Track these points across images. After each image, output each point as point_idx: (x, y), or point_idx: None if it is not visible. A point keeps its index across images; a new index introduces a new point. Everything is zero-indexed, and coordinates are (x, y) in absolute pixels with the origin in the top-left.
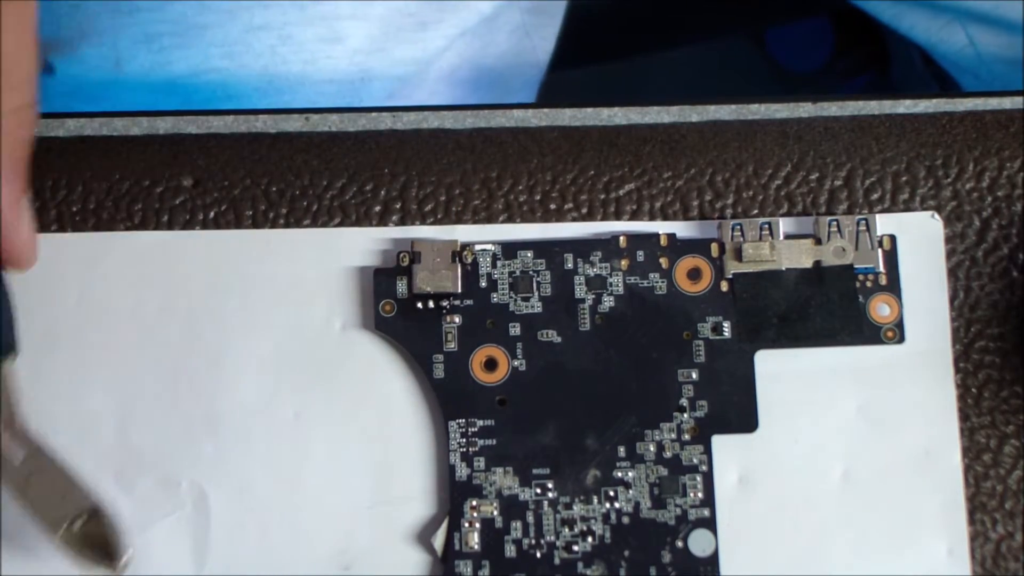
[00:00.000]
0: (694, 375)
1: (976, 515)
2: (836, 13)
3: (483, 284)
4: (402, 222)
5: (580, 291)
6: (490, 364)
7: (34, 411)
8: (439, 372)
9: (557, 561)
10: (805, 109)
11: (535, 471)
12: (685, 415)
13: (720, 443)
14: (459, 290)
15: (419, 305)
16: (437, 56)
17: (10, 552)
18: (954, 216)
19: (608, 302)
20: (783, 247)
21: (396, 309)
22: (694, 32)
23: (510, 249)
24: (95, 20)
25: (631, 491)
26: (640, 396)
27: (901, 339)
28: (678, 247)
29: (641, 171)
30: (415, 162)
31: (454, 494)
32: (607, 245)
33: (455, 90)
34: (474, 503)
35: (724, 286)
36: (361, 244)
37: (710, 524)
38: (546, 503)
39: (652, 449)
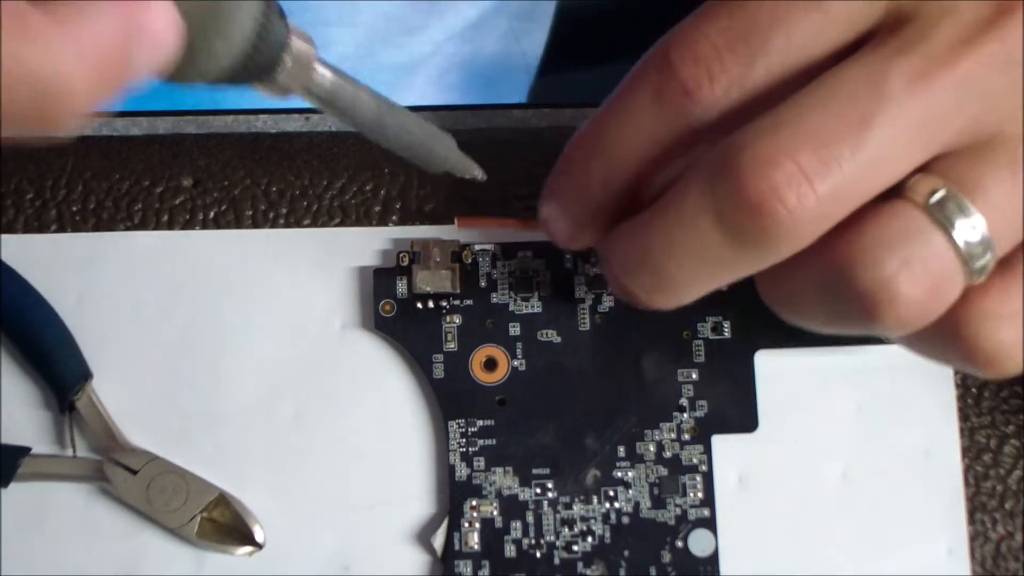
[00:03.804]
0: (694, 375)
1: (976, 515)
2: None
3: (483, 284)
4: (402, 222)
5: (580, 291)
6: (490, 364)
7: (34, 412)
8: (439, 372)
9: (557, 561)
10: None
11: (535, 471)
12: (685, 415)
13: (720, 443)
14: (459, 290)
15: (419, 305)
16: (424, 61)
17: (10, 552)
18: None
19: (608, 302)
20: None
21: (396, 309)
22: None
23: (510, 249)
24: None
25: (631, 491)
26: (640, 396)
27: None
28: None
29: None
30: None
31: (454, 494)
32: None
33: (444, 94)
34: (474, 503)
35: (724, 286)
36: (361, 244)
37: (710, 524)
38: (546, 503)
39: (652, 449)
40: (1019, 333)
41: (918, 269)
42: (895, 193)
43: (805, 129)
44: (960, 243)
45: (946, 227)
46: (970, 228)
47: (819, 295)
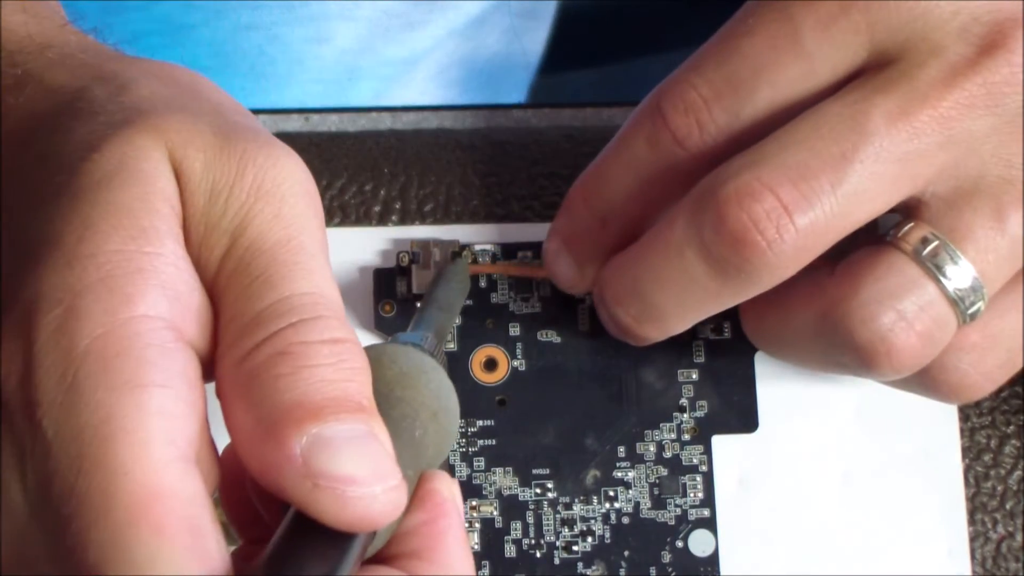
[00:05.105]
0: (694, 375)
1: (976, 515)
2: None
3: (483, 284)
4: (402, 222)
5: None
6: (490, 364)
7: None
8: None
9: (557, 561)
10: None
11: (535, 471)
12: (685, 415)
13: (720, 443)
14: None
15: (419, 305)
16: (425, 56)
17: None
18: None
19: None
20: None
21: (396, 309)
22: (687, 35)
23: (510, 249)
24: (82, 20)
25: (631, 491)
26: (640, 396)
27: None
28: None
29: None
30: (415, 162)
31: None
32: None
33: (444, 91)
34: (474, 503)
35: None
36: (361, 244)
37: (710, 524)
38: (546, 503)
39: (652, 449)
40: (979, 363)
41: (913, 320)
42: (886, 241)
43: (786, 164)
44: (951, 291)
45: (938, 277)
46: (961, 275)
47: (814, 344)
